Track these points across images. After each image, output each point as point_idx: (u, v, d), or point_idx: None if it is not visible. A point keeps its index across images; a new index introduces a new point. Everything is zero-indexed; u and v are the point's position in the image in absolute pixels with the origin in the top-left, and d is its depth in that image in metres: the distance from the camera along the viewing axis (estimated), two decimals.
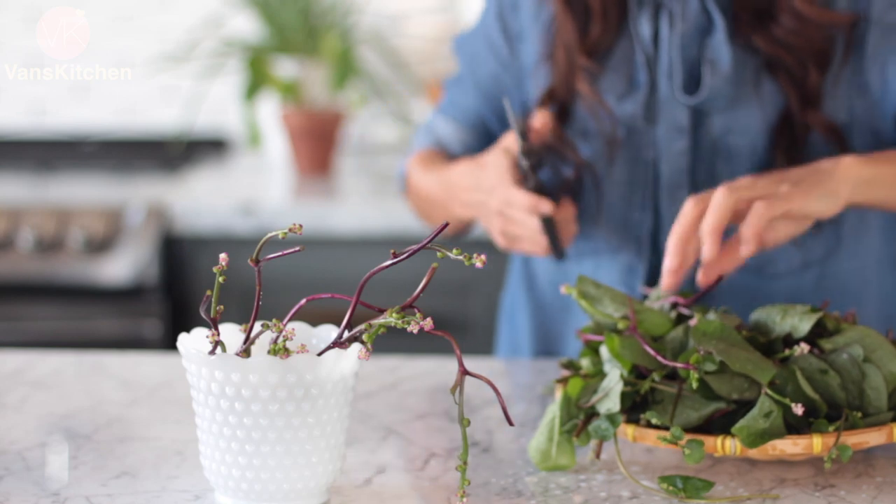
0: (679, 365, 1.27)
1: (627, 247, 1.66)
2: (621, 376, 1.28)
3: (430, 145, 1.81)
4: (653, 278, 1.65)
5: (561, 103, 1.66)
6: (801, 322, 1.32)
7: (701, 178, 1.63)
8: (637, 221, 1.65)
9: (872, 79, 1.61)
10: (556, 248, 1.58)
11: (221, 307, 1.17)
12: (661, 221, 1.64)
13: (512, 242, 1.60)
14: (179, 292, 2.73)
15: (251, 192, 2.85)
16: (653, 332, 1.35)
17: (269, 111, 3.11)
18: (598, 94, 1.63)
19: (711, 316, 1.35)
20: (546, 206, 1.53)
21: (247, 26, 3.13)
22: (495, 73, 1.76)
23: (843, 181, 1.49)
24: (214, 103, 3.23)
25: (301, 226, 1.13)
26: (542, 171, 1.59)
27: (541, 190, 1.56)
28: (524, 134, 1.55)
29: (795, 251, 1.63)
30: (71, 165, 3.16)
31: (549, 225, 1.56)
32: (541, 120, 1.58)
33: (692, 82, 1.62)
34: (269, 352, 1.15)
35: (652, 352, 1.29)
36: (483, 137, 1.79)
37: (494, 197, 1.57)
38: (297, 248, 1.15)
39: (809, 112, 1.60)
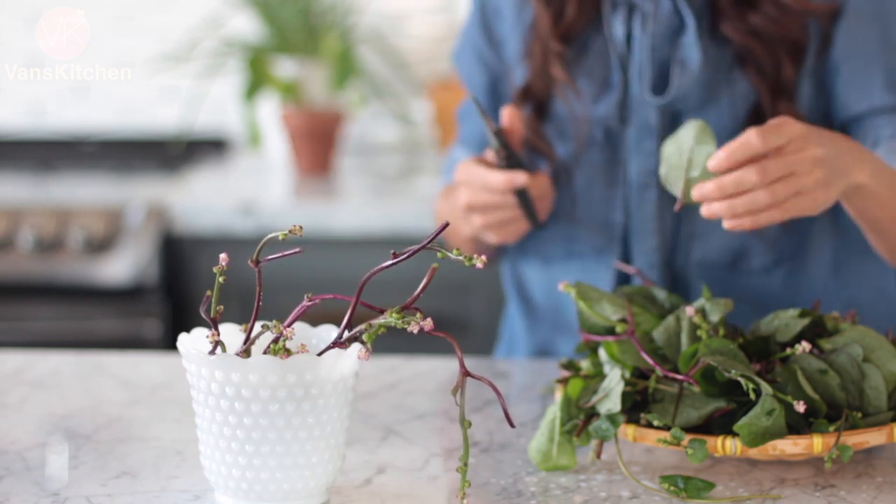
0: (679, 377, 1.27)
1: (611, 248, 1.66)
2: (622, 376, 1.28)
3: (450, 180, 1.79)
4: (620, 280, 1.65)
5: (538, 101, 1.66)
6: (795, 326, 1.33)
7: None
8: (616, 222, 1.65)
9: (829, 79, 1.61)
10: (533, 218, 1.58)
11: (221, 307, 1.17)
12: (630, 222, 1.64)
13: (501, 231, 1.59)
14: (179, 292, 2.73)
15: (251, 192, 2.85)
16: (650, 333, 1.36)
17: (269, 111, 3.10)
18: (573, 80, 1.63)
19: (706, 304, 1.35)
20: (520, 177, 1.52)
21: (247, 26, 3.13)
22: (488, 83, 1.76)
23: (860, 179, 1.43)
24: (214, 103, 3.22)
25: (301, 227, 1.13)
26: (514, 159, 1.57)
27: (512, 166, 1.54)
28: (497, 130, 1.53)
29: (767, 248, 1.62)
30: (71, 165, 3.15)
31: (523, 198, 1.55)
32: (508, 115, 1.56)
33: (664, 83, 1.62)
34: (268, 352, 1.15)
35: (650, 360, 1.29)
36: None
37: (462, 195, 1.56)
38: (296, 250, 1.15)
39: (781, 104, 1.58)
